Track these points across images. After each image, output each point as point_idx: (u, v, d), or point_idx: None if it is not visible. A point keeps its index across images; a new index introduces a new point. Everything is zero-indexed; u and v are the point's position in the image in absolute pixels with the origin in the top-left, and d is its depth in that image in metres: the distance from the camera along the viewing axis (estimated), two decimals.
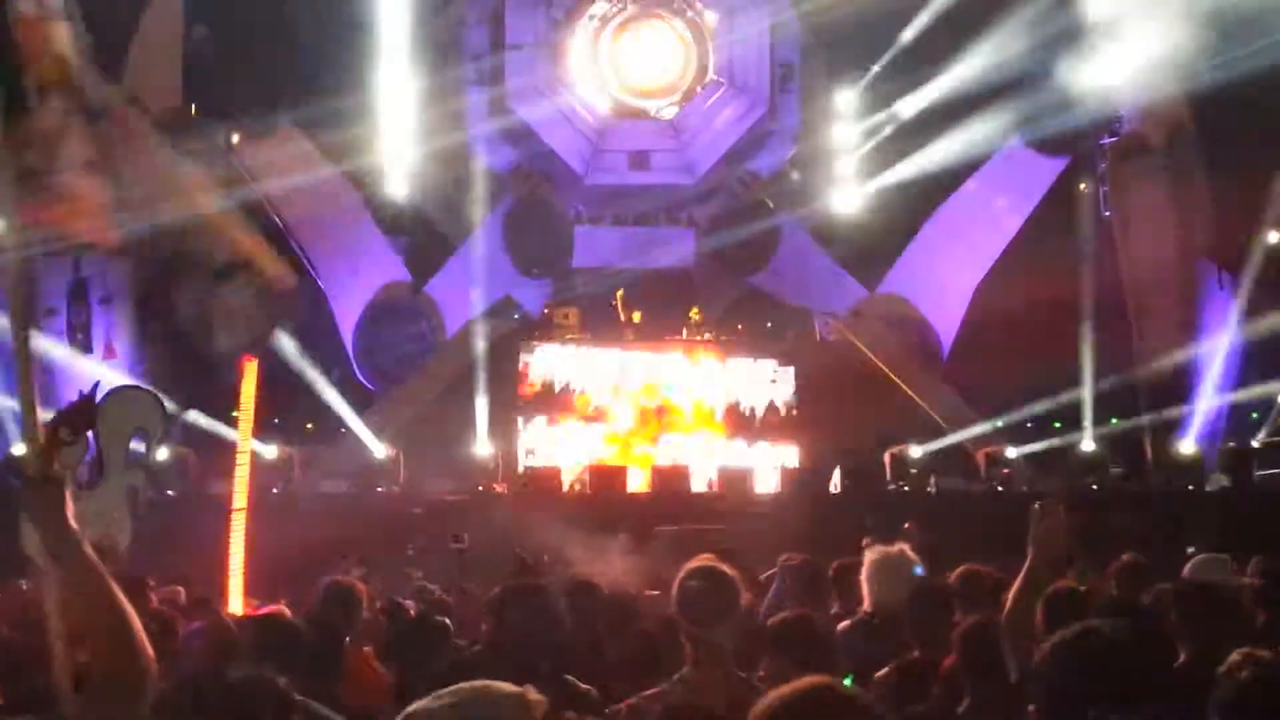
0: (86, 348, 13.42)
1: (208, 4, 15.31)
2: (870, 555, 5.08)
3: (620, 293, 15.67)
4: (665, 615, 5.07)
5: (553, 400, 15.14)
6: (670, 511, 11.82)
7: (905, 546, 5.17)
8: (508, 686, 2.03)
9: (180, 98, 15.04)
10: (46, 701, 3.26)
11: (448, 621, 5.19)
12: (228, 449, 13.13)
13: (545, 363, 15.33)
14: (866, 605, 4.94)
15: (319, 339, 15.34)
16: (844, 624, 5.08)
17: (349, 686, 4.50)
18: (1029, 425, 15.83)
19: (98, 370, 12.42)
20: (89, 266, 13.67)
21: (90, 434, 5.35)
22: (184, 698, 2.97)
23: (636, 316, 15.55)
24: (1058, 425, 16.87)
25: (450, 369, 15.23)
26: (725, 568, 3.91)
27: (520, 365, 15.16)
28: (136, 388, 6.43)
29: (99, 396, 5.42)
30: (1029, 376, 15.42)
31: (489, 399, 14.68)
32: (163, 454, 12.28)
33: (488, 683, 2.03)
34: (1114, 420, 16.64)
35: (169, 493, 12.19)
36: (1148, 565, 5.58)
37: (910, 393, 14.57)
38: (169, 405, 12.33)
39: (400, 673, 4.61)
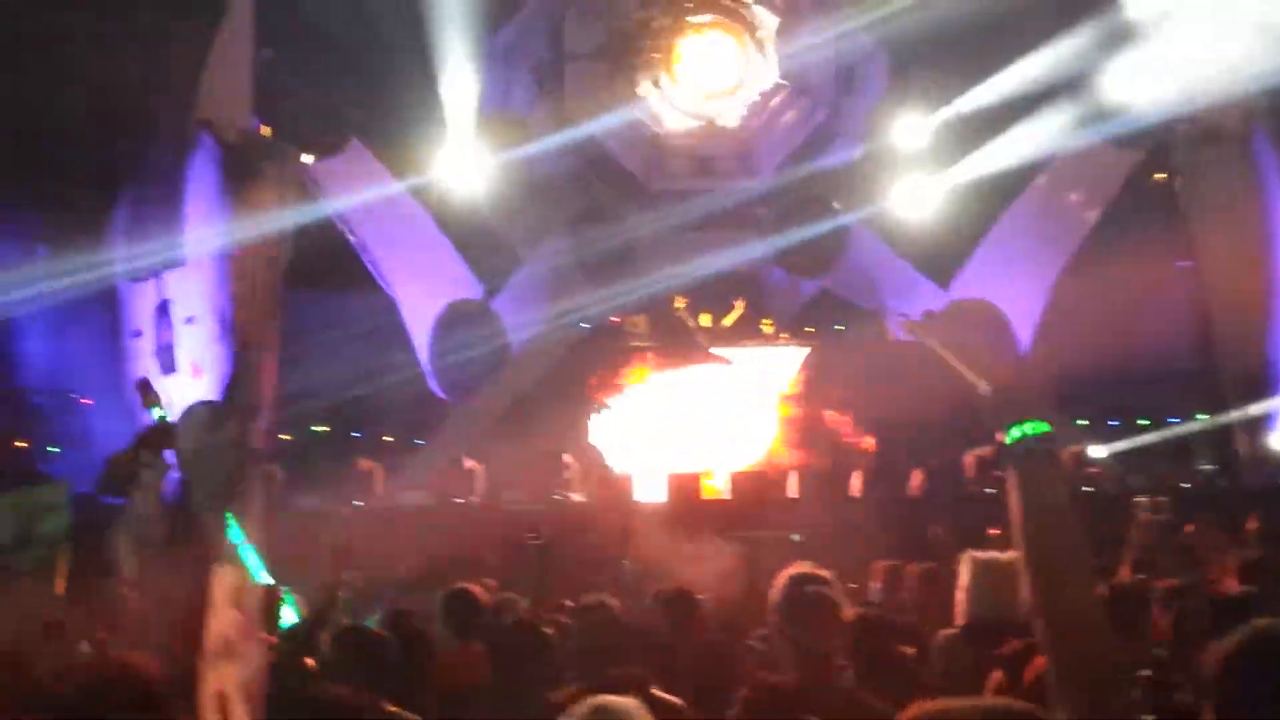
0: (172, 368, 13.72)
1: (274, 26, 15.59)
2: (972, 562, 4.83)
3: (685, 300, 15.65)
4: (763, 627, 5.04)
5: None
6: (751, 516, 11.74)
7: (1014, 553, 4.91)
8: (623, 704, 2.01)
9: (251, 121, 15.31)
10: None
11: (547, 630, 5.21)
12: (314, 464, 13.45)
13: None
14: (961, 617, 4.70)
15: (395, 352, 15.54)
16: (946, 632, 4.93)
17: (451, 686, 4.55)
18: (1112, 424, 15.50)
19: (185, 390, 12.70)
20: (173, 287, 13.99)
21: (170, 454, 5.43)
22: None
23: (706, 320, 15.51)
24: (1143, 423, 16.51)
25: (522, 379, 15.33)
26: (825, 574, 3.88)
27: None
28: (206, 404, 6.49)
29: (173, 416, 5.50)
30: (1111, 373, 15.11)
31: (562, 408, 14.73)
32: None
33: (605, 703, 2.01)
34: (1199, 415, 16.23)
35: None
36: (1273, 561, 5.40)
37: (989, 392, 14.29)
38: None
39: (502, 674, 4.65)
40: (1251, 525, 6.93)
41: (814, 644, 3.59)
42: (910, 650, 4.53)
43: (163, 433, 5.39)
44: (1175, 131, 15.92)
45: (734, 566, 9.42)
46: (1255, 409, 14.34)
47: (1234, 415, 14.43)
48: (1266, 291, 14.75)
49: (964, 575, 4.76)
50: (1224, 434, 14.54)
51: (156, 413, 5.60)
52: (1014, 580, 4.56)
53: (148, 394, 5.80)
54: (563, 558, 9.55)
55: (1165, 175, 16.38)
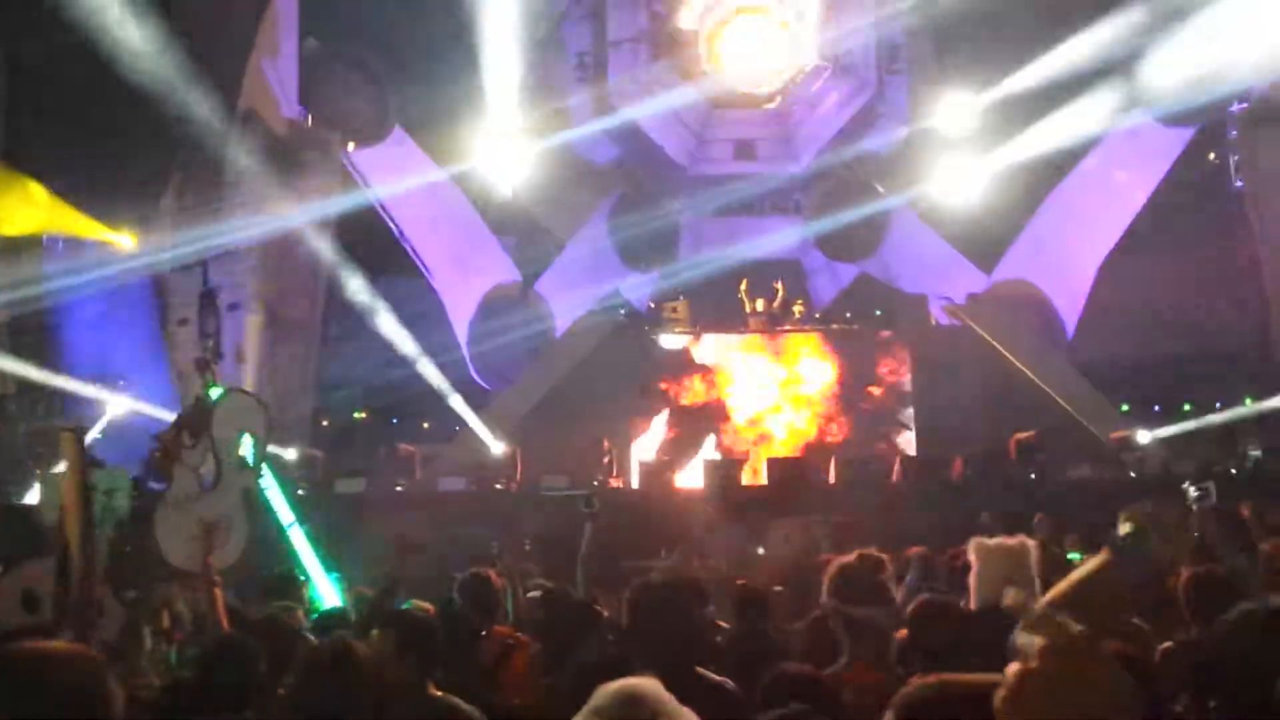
0: (217, 354, 13.92)
1: (318, 16, 15.72)
2: (979, 548, 4.73)
3: (745, 282, 15.60)
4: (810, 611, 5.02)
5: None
6: (788, 502, 11.70)
7: (1025, 538, 4.79)
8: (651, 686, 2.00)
9: (296, 110, 15.47)
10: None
11: (601, 609, 5.19)
12: (355, 449, 13.63)
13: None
14: (974, 601, 4.63)
15: (434, 338, 15.64)
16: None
17: (499, 672, 4.59)
18: (1158, 408, 15.21)
19: (229, 377, 12.89)
20: (217, 274, 14.19)
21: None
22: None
23: (760, 304, 15.44)
24: (1188, 408, 16.19)
25: (561, 365, 15.36)
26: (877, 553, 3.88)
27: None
28: (243, 391, 6.63)
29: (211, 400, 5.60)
30: (1158, 357, 14.83)
31: (600, 394, 14.75)
32: (291, 454, 12.71)
33: (632, 687, 1.99)
34: (1249, 400, 15.87)
35: (298, 491, 12.60)
36: None
37: (1034, 377, 14.12)
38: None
39: (552, 654, 4.68)
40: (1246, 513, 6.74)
41: (860, 615, 3.60)
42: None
43: (203, 415, 5.51)
44: (1229, 110, 15.57)
45: (776, 552, 9.42)
46: None
47: None
48: None
49: (973, 561, 4.69)
50: (1274, 419, 14.19)
51: (213, 391, 5.72)
52: (1019, 564, 4.51)
53: (206, 372, 5.93)
54: (609, 541, 9.59)
55: (1218, 154, 16.01)
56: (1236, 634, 2.15)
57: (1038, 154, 15.87)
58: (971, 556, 4.58)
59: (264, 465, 6.11)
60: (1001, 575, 4.38)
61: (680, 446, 14.90)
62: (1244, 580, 4.44)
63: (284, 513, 6.92)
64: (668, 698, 2.01)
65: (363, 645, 3.83)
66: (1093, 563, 3.36)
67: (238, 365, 13.54)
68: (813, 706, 2.84)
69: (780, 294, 15.60)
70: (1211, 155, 16.10)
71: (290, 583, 6.06)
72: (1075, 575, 3.20)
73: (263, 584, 6.07)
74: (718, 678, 3.77)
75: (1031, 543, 4.57)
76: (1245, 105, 15.37)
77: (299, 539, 7.09)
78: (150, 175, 14.42)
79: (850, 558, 4.32)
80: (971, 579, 4.49)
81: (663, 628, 3.88)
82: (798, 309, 15.65)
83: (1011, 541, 4.58)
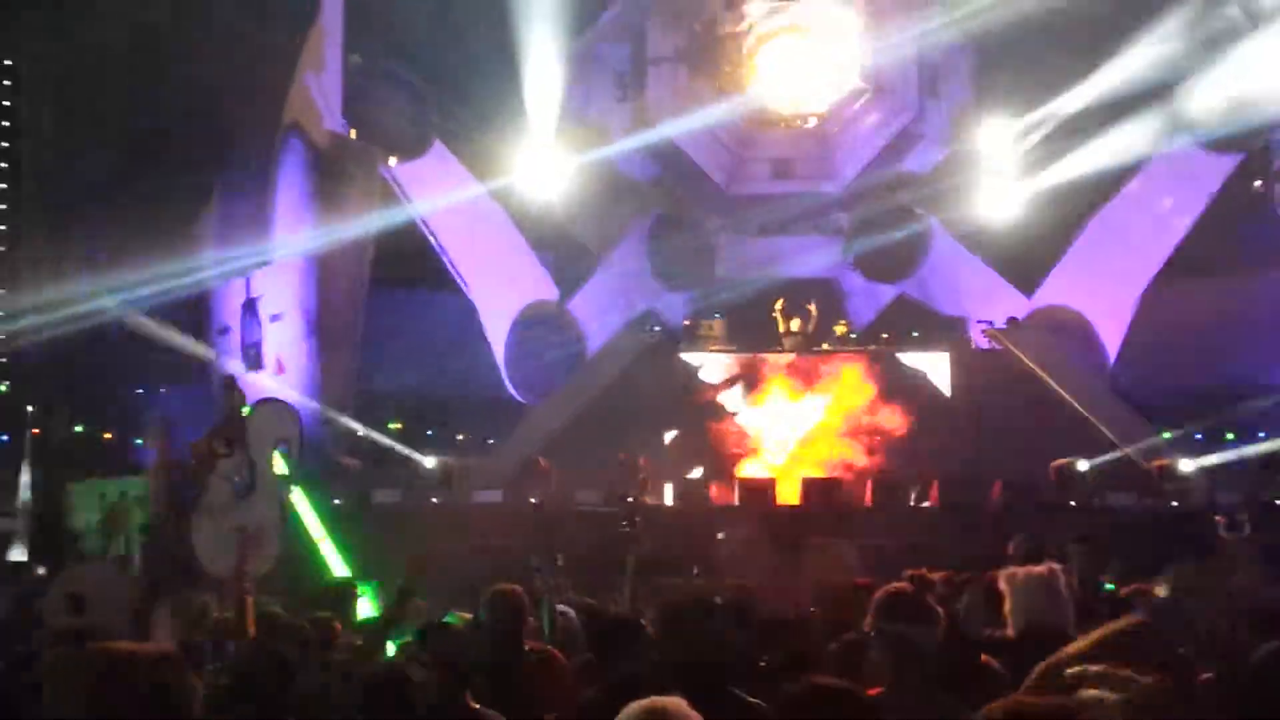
0: (258, 364, 14.09)
1: (362, 32, 15.92)
2: (1010, 579, 4.71)
3: (780, 302, 15.51)
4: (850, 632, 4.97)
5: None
6: (823, 523, 11.64)
7: (1054, 565, 4.77)
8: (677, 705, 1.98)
9: (340, 124, 15.65)
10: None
11: (643, 622, 5.18)
12: (391, 459, 13.69)
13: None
14: (1013, 630, 4.60)
15: (472, 352, 15.72)
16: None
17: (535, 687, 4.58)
18: (1200, 436, 14.99)
19: (270, 386, 13.02)
20: (260, 285, 14.36)
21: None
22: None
23: (795, 324, 15.36)
24: (1230, 437, 15.93)
25: (596, 381, 15.38)
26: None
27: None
28: (277, 400, 6.71)
29: (246, 410, 5.67)
30: (1201, 385, 14.62)
31: (634, 411, 14.75)
32: (333, 466, 12.82)
33: (656, 706, 1.98)
34: None
35: (335, 501, 12.68)
36: None
37: (1075, 403, 13.96)
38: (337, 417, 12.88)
39: (592, 669, 4.68)
40: None
41: (908, 633, 3.56)
42: (991, 661, 4.47)
43: (238, 424, 5.58)
44: (1274, 137, 15.39)
45: (812, 573, 9.35)
46: None
47: None
48: None
49: (1006, 592, 4.67)
50: None
51: (242, 409, 5.79)
52: (1050, 590, 4.47)
53: (233, 391, 6.01)
54: (646, 555, 9.58)
55: (1263, 182, 15.82)
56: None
57: (1080, 177, 15.77)
58: (1003, 586, 4.58)
59: (297, 476, 6.17)
60: (1033, 602, 4.37)
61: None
62: None
63: (314, 525, 6.98)
64: (694, 717, 1.99)
65: (416, 668, 3.85)
66: (1121, 623, 3.32)
67: (278, 375, 13.68)
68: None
69: (813, 315, 15.53)
70: (1257, 183, 15.91)
71: (339, 594, 6.10)
72: (1100, 634, 3.16)
73: (307, 594, 6.12)
74: (750, 699, 3.73)
75: (1059, 568, 4.57)
76: None
77: (329, 551, 7.14)
78: (195, 185, 14.64)
79: (900, 584, 4.30)
80: (1006, 609, 4.47)
81: (690, 645, 3.87)
82: (839, 329, 15.52)
83: (1039, 569, 4.58)
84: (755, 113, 17.78)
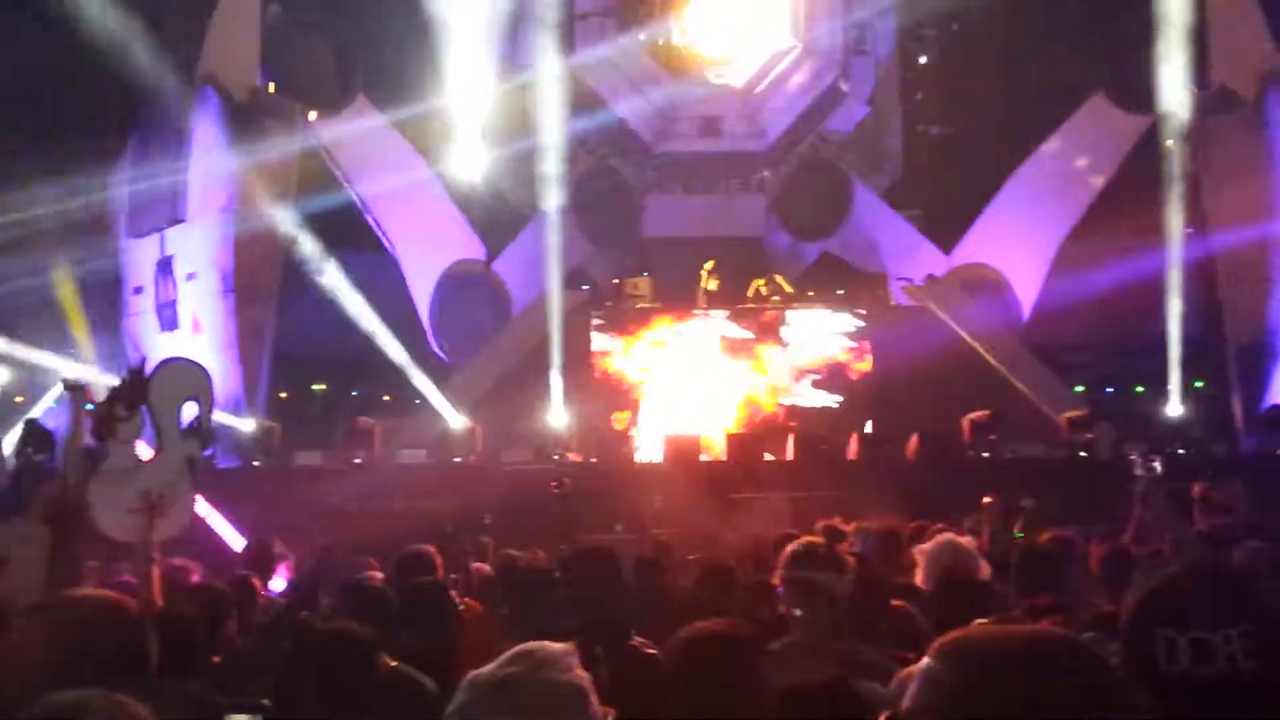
0: (173, 324, 13.80)
1: None
2: (925, 546, 4.88)
3: (711, 263, 15.58)
4: (760, 579, 5.09)
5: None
6: (746, 478, 11.80)
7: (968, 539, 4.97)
8: (555, 652, 1.99)
9: (257, 76, 15.27)
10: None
11: (555, 574, 5.24)
12: (311, 422, 13.57)
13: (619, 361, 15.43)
14: (925, 582, 4.78)
15: (396, 311, 15.55)
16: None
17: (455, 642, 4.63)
18: (1111, 390, 15.48)
19: (186, 346, 12.78)
20: (175, 243, 14.02)
21: (145, 408, 5.46)
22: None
23: (714, 284, 15.46)
24: (1140, 390, 16.49)
25: (523, 341, 15.34)
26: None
27: (592, 351, 15.27)
28: (183, 359, 6.55)
29: (148, 370, 5.53)
30: (1113, 340, 15.08)
31: (561, 370, 14.77)
32: (249, 426, 12.64)
33: (539, 651, 1.98)
34: (1200, 384, 16.19)
35: (255, 463, 12.54)
36: None
37: (989, 357, 14.31)
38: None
39: (513, 616, 4.74)
40: (1197, 492, 6.95)
41: (817, 579, 3.65)
42: (903, 604, 4.61)
43: (138, 386, 5.44)
44: (1187, 96, 15.79)
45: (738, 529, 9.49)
46: (1254, 376, 14.30)
47: (1233, 382, 14.41)
48: (1272, 262, 14.64)
49: (919, 562, 4.81)
50: (1223, 403, 14.52)
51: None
52: (959, 552, 4.65)
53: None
54: (567, 513, 9.67)
55: (1175, 141, 16.22)
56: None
57: (999, 135, 16.07)
58: (916, 557, 4.73)
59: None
60: (942, 562, 4.53)
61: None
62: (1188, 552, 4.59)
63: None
64: (569, 663, 1.98)
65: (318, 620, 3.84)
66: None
67: (194, 334, 13.41)
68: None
69: (781, 284, 15.67)
70: (1169, 142, 16.31)
71: (258, 555, 6.07)
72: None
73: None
74: (650, 649, 3.81)
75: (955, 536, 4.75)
76: (1202, 92, 15.59)
77: (220, 523, 7.05)
78: (108, 137, 14.21)
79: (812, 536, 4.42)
80: (919, 578, 4.62)
81: (588, 593, 3.95)
82: (760, 284, 15.67)
83: (943, 538, 4.75)
84: (682, 69, 17.74)
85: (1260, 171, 14.63)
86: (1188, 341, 14.28)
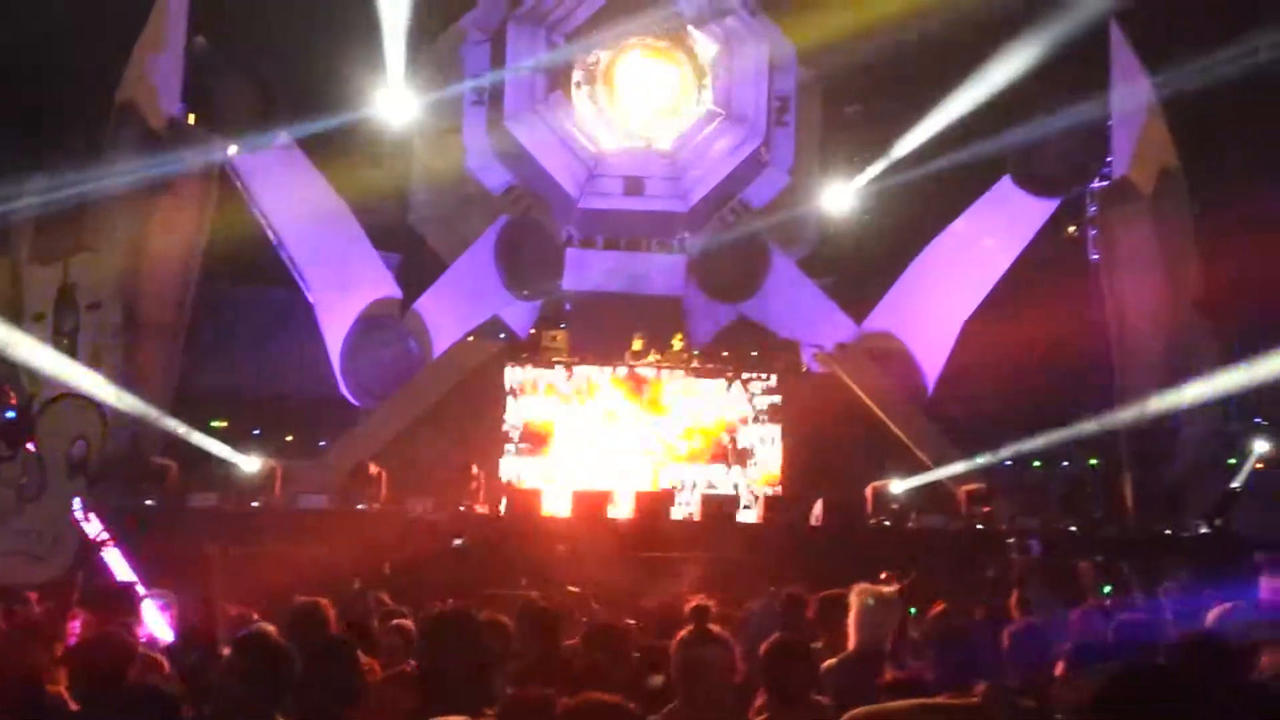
0: (73, 353, 13.34)
1: (210, 15, 15.36)
2: (861, 597, 4.97)
3: (639, 343, 15.63)
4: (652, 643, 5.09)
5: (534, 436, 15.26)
6: (652, 538, 11.82)
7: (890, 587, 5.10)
8: None
9: (179, 108, 15.06)
10: None
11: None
12: (209, 460, 13.17)
13: (526, 408, 15.35)
14: (852, 645, 4.86)
15: (306, 352, 15.30)
16: (829, 662, 5.02)
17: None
18: (1010, 463, 15.91)
19: (82, 379, 12.35)
20: (77, 271, 13.60)
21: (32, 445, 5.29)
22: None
23: (638, 344, 15.54)
24: (1037, 464, 16.99)
25: (435, 387, 15.20)
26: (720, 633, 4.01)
27: (505, 402, 15.19)
28: (75, 394, 6.35)
29: (36, 408, 5.39)
30: (1013, 415, 15.53)
31: (473, 419, 14.66)
32: (145, 464, 12.25)
33: None
34: (1094, 462, 16.76)
35: (148, 502, 12.14)
36: None
37: (894, 428, 14.62)
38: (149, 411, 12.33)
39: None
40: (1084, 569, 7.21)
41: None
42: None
43: (22, 424, 5.26)
44: (1090, 186, 16.51)
45: (627, 586, 9.47)
46: (1146, 458, 14.84)
47: (1126, 463, 14.93)
48: (1169, 345, 15.27)
49: (854, 606, 4.90)
50: (1115, 481, 15.02)
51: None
52: (893, 613, 4.77)
53: None
54: (470, 565, 9.56)
55: (1077, 227, 16.94)
56: None
57: (915, 209, 16.58)
58: (853, 599, 4.80)
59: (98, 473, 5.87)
60: (880, 622, 4.65)
61: None
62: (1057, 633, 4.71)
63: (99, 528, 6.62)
64: None
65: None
66: None
67: (92, 368, 12.97)
68: None
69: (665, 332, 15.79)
70: (1071, 228, 17.02)
71: (122, 597, 5.84)
72: None
73: (95, 598, 5.84)
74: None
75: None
76: (1103, 183, 16.34)
77: (114, 558, 6.82)
78: (18, 157, 13.79)
79: (692, 604, 4.45)
80: (850, 623, 4.71)
81: (445, 654, 3.91)
82: (677, 341, 15.81)
83: (891, 590, 4.91)
84: (608, 129, 17.99)
85: (1155, 262, 15.32)
86: (1084, 421, 14.78)
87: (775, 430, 15.27)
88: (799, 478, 14.46)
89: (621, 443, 15.27)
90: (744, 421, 15.36)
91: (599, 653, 5.11)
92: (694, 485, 14.97)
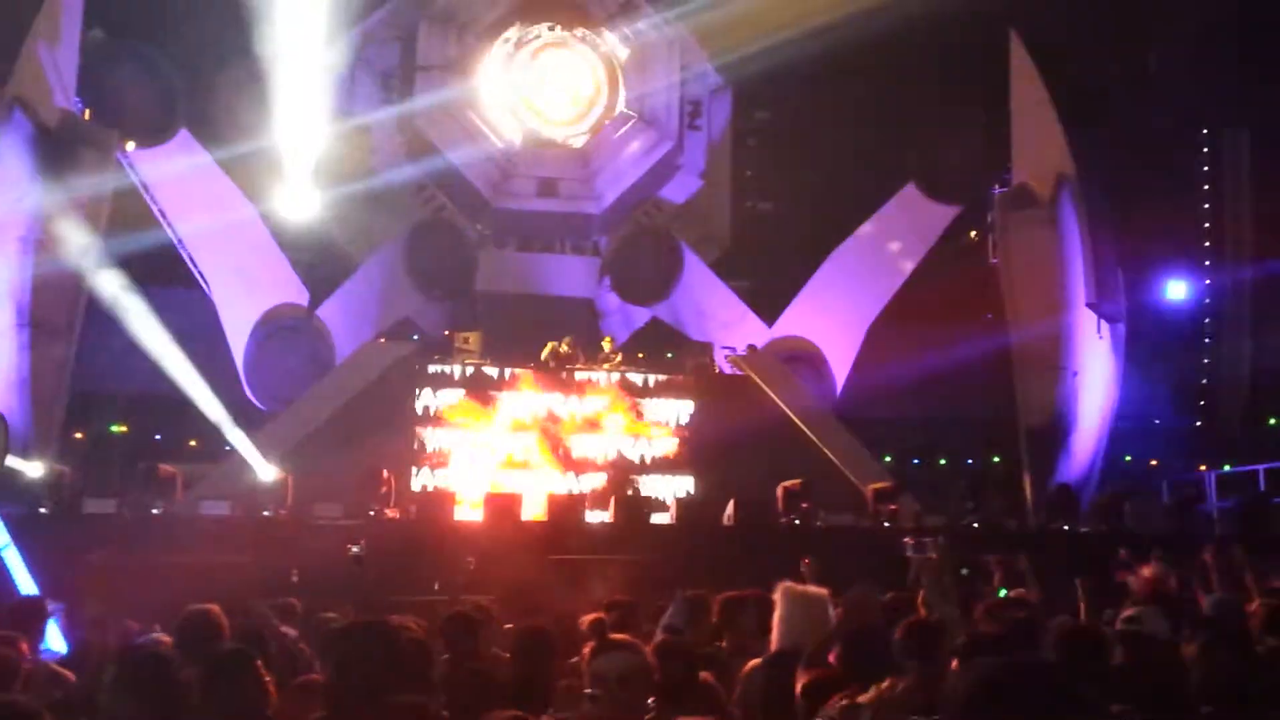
0: None
1: (106, 8, 14.87)
2: (788, 594, 4.93)
3: (559, 345, 15.39)
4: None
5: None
6: (567, 540, 11.76)
7: (819, 588, 5.02)
8: None
9: (72, 101, 14.53)
10: None
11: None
12: (108, 467, 12.72)
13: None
14: (776, 644, 4.81)
15: (209, 354, 14.87)
16: (754, 662, 4.98)
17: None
18: (916, 461, 16.27)
19: None
20: None
21: None
22: None
23: (562, 347, 15.36)
24: (943, 462, 17.42)
25: (342, 390, 14.90)
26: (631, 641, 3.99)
27: (414, 404, 14.94)
28: None
29: None
30: (918, 415, 15.90)
31: (383, 422, 14.41)
32: (37, 470, 11.76)
33: None
34: (995, 459, 17.25)
35: (41, 510, 11.67)
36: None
37: (804, 427, 14.83)
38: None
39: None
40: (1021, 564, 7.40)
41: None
42: (709, 677, 4.61)
43: None
44: (991, 192, 17.00)
45: (543, 589, 9.42)
46: (1046, 456, 15.33)
47: (1025, 461, 15.40)
48: (1064, 347, 15.79)
49: (779, 606, 4.84)
50: (1015, 478, 15.48)
51: None
52: (819, 613, 4.73)
53: None
54: (380, 571, 9.38)
55: (978, 232, 17.42)
56: None
57: (823, 213, 16.87)
58: (777, 598, 4.75)
59: None
60: (804, 622, 4.58)
61: None
62: (952, 629, 4.73)
63: None
64: None
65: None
66: None
67: None
68: None
69: (609, 342, 15.72)
70: (973, 233, 17.50)
71: (28, 612, 5.58)
72: None
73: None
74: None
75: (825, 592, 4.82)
76: (1003, 190, 16.84)
77: (15, 562, 6.55)
78: None
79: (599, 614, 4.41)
80: (776, 623, 4.65)
81: (340, 669, 3.84)
82: (607, 343, 15.66)
83: (820, 590, 4.83)
84: (521, 130, 17.90)
85: (1052, 266, 15.83)
86: (985, 420, 15.22)
87: (685, 434, 15.32)
88: (711, 478, 14.56)
89: (533, 453, 15.17)
90: (657, 425, 15.38)
91: (521, 663, 5.07)
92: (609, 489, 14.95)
